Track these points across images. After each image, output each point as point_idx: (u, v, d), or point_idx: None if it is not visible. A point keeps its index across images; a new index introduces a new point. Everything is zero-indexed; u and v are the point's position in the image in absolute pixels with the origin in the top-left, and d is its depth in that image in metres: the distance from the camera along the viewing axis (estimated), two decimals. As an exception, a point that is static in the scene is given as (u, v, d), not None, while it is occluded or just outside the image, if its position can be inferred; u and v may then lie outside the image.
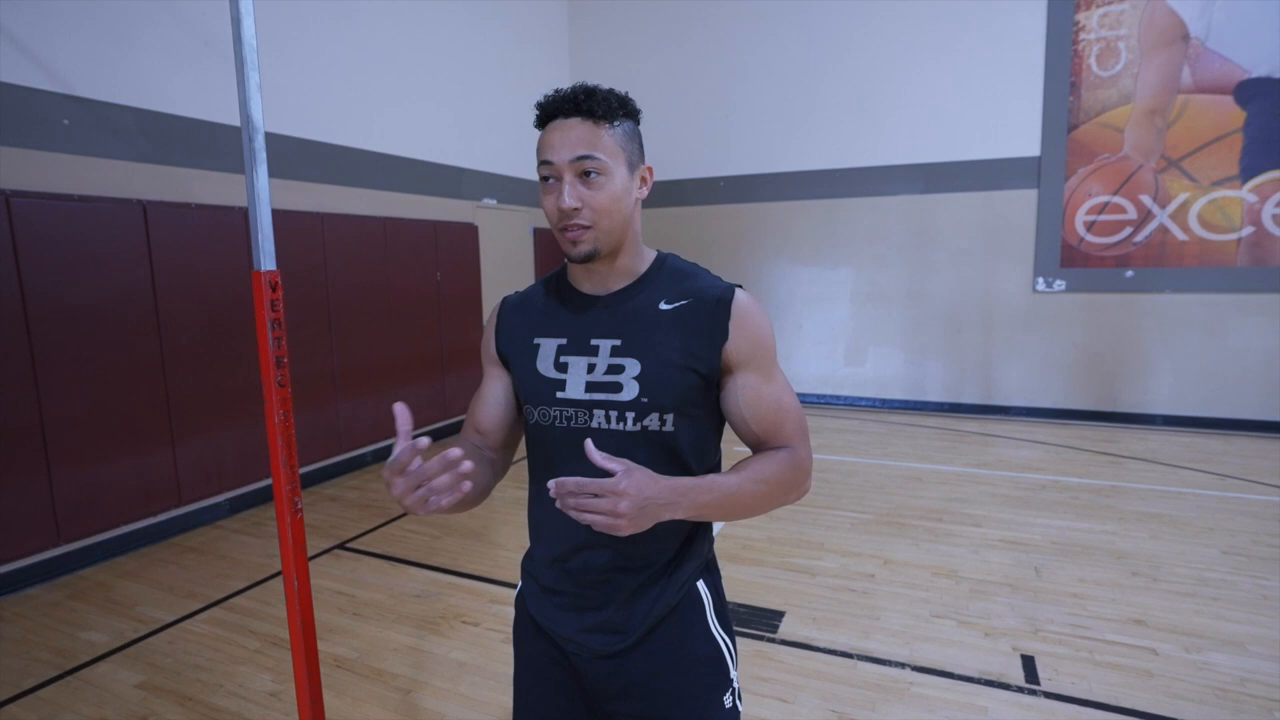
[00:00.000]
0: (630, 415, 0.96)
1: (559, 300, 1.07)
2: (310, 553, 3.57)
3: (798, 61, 6.79)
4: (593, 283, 1.04)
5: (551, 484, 0.82)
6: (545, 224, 7.42)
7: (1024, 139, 6.11)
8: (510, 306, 1.13)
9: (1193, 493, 4.27)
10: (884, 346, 6.84)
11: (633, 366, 0.97)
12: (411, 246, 5.44)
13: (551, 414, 1.01)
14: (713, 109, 7.20)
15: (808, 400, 7.17)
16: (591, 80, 1.00)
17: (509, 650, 2.54)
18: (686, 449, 0.99)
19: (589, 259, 0.96)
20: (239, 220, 4.07)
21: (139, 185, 3.60)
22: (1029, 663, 2.49)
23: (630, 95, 1.01)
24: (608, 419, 0.97)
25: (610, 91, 0.97)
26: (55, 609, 3.01)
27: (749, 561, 3.36)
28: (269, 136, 4.28)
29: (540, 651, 1.08)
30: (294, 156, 4.50)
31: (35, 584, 3.22)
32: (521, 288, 1.15)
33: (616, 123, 0.96)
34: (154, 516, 3.70)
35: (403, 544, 3.70)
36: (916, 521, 3.85)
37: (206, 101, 3.93)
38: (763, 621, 2.79)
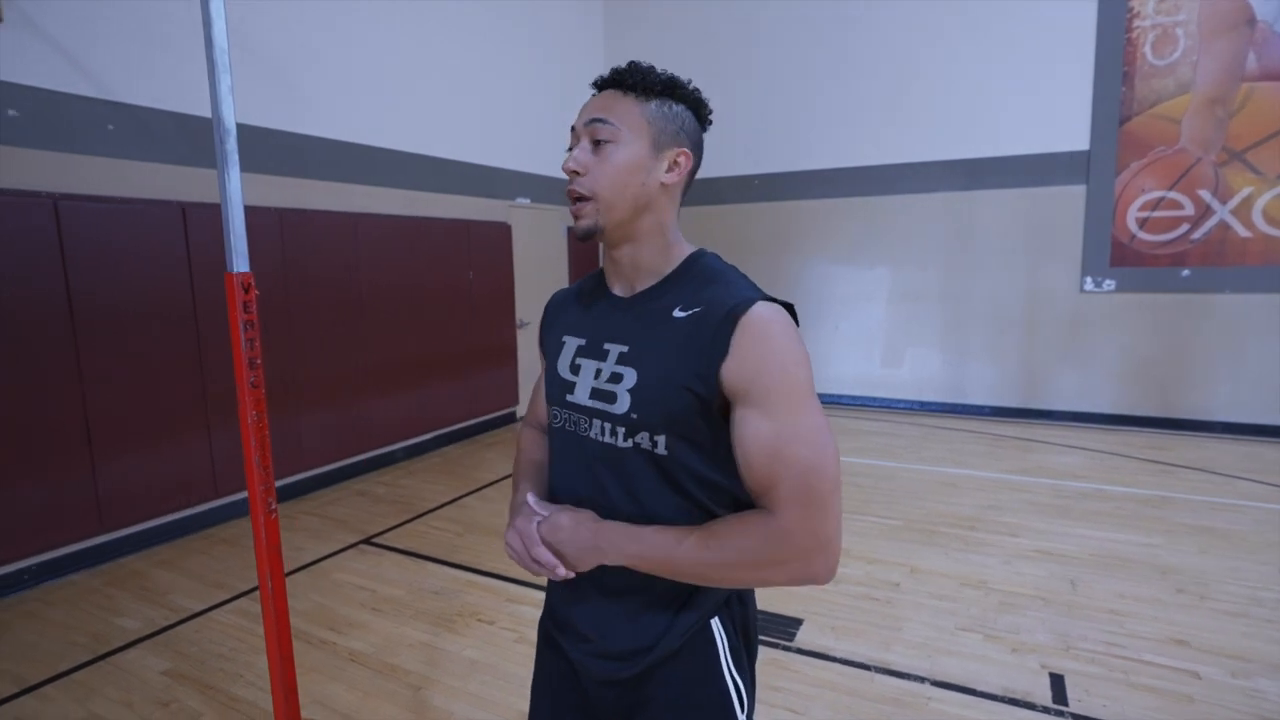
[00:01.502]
0: (621, 430, 0.89)
1: (591, 299, 1.03)
2: (336, 547, 3.65)
3: (834, 56, 6.64)
4: (619, 282, 0.98)
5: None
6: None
7: (1072, 132, 5.86)
8: (555, 302, 1.12)
9: (1250, 505, 4.03)
10: (922, 347, 6.64)
11: (629, 377, 0.89)
12: (444, 246, 5.51)
13: (561, 416, 0.98)
14: (748, 106, 7.10)
15: (841, 402, 7.02)
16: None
17: (522, 650, 2.56)
18: (686, 477, 0.88)
19: (588, 235, 0.92)
20: (274, 221, 4.17)
21: (179, 187, 3.72)
22: (1058, 682, 2.37)
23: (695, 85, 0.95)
24: (604, 431, 0.91)
25: (656, 70, 0.92)
26: (94, 595, 3.14)
27: (770, 566, 3.29)
28: (300, 137, 4.39)
29: (555, 668, 1.05)
30: (327, 158, 4.59)
31: (77, 570, 3.36)
32: (559, 286, 1.15)
33: (651, 99, 0.91)
34: (190, 508, 3.83)
35: (426, 540, 3.74)
36: (948, 529, 3.72)
37: (243, 105, 4.04)
38: (779, 629, 2.73)
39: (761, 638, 2.64)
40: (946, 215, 6.38)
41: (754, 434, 0.82)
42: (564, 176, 0.87)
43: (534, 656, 1.11)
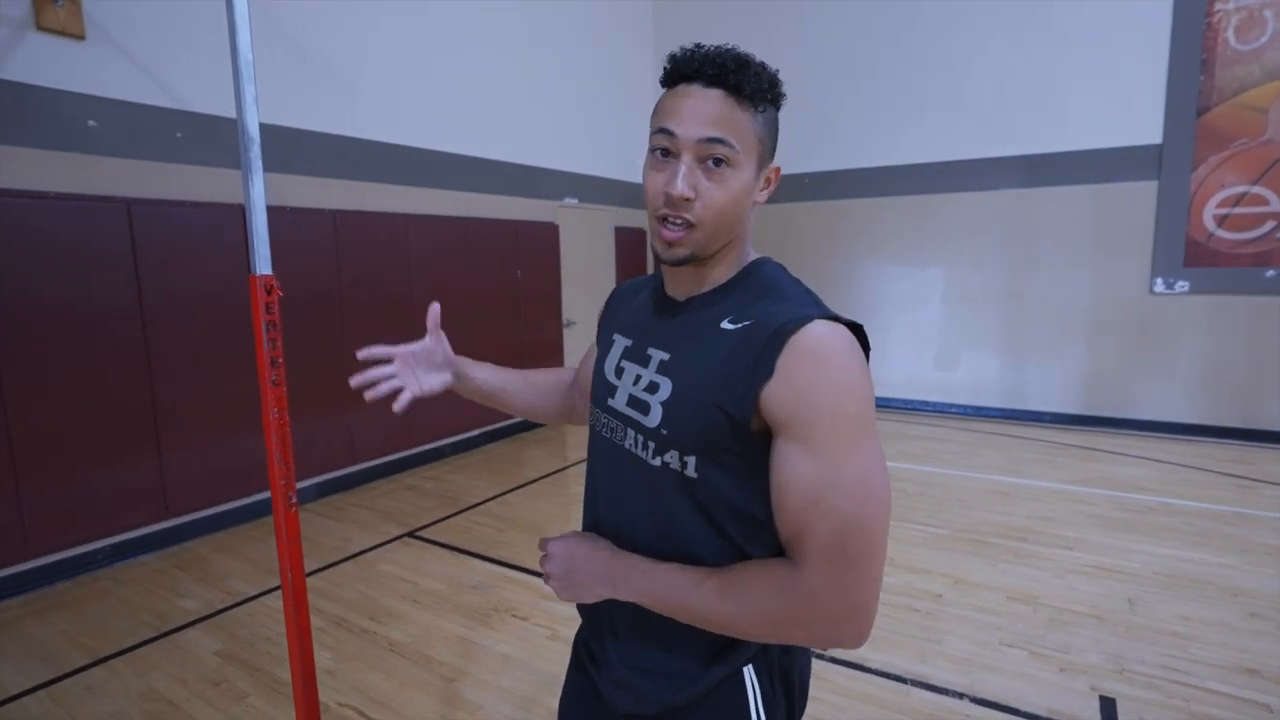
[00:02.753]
0: (651, 445, 0.82)
1: (648, 297, 0.95)
2: (383, 539, 3.77)
3: (889, 49, 6.47)
4: (676, 284, 0.90)
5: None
6: (627, 223, 7.47)
7: (1143, 125, 5.54)
8: (618, 293, 1.07)
9: (1338, 525, 3.74)
10: (978, 350, 6.40)
11: (665, 389, 0.82)
12: (493, 246, 5.62)
13: (601, 419, 0.93)
14: (799, 103, 6.95)
15: (892, 406, 6.84)
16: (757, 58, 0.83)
17: (554, 648, 2.59)
18: (718, 504, 0.79)
19: (682, 264, 0.81)
20: (328, 221, 4.34)
21: (240, 190, 3.90)
22: (1109, 706, 2.25)
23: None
24: (636, 442, 0.84)
25: (764, 67, 0.80)
26: (160, 576, 3.33)
27: (808, 573, 3.23)
28: (354, 141, 4.55)
29: (584, 689, 1.00)
30: (380, 161, 4.75)
31: (145, 552, 3.58)
32: (606, 286, 1.12)
33: (762, 109, 0.80)
34: (249, 496, 4.01)
35: (469, 535, 3.82)
36: (997, 540, 3.58)
37: (299, 110, 4.22)
38: (813, 637, 2.68)
39: (794, 645, 2.60)
40: (1005, 213, 6.13)
41: (791, 473, 0.72)
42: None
43: (565, 654, 1.09)
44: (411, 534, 3.85)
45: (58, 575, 3.26)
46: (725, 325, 0.80)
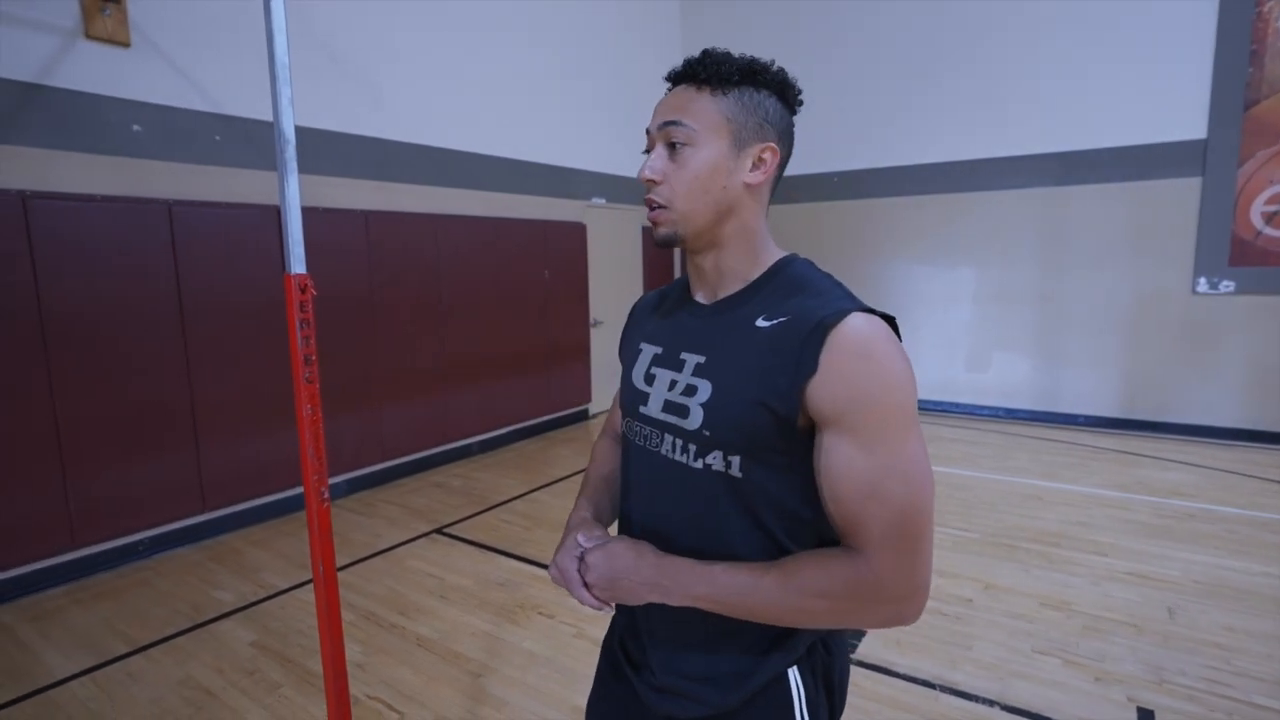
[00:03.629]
0: (692, 448, 0.82)
1: (674, 306, 0.96)
2: (412, 535, 3.83)
3: (919, 45, 6.37)
4: (703, 289, 0.91)
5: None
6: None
7: (1186, 120, 5.37)
8: (639, 308, 1.07)
9: (1393, 535, 3.58)
10: (1010, 352, 6.27)
11: (704, 390, 0.82)
12: (522, 246, 5.66)
13: (635, 428, 0.93)
14: (828, 100, 6.92)
15: (923, 407, 6.73)
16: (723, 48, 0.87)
17: (580, 646, 2.60)
18: (763, 503, 0.80)
19: (667, 244, 0.85)
20: (360, 221, 4.42)
21: (276, 192, 4.00)
22: (1146, 717, 2.19)
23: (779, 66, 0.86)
24: (675, 447, 0.85)
25: (733, 55, 0.83)
26: (197, 568, 3.43)
27: (834, 575, 3.20)
28: (385, 143, 4.62)
29: (618, 694, 0.99)
30: (411, 162, 4.82)
31: (183, 545, 3.68)
32: (634, 286, 1.10)
33: (729, 90, 0.82)
34: (283, 492, 4.10)
35: (496, 533, 3.86)
36: (1029, 545, 3.50)
37: (331, 112, 4.30)
38: (840, 640, 2.65)
39: (820, 648, 2.58)
40: (1039, 212, 6.00)
41: (846, 466, 0.74)
42: (636, 177, 0.83)
43: (591, 653, 1.08)
44: (440, 531, 3.90)
45: (100, 566, 3.38)
46: (760, 323, 0.81)
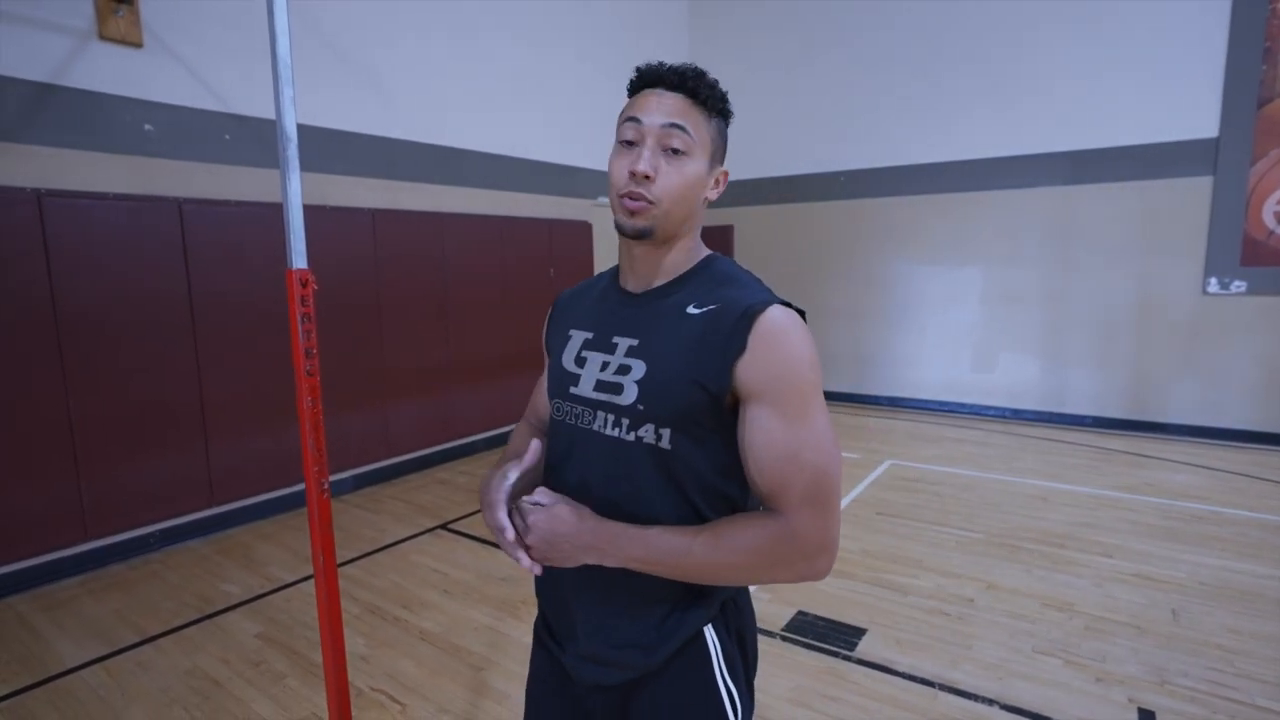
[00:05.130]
0: (625, 422, 0.89)
1: (602, 294, 1.03)
2: (416, 530, 3.87)
3: (925, 44, 6.34)
4: (634, 279, 0.97)
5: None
6: (658, 222, 7.51)
7: (1197, 118, 5.32)
8: (563, 299, 1.12)
9: (1404, 539, 3.54)
10: (1017, 352, 6.24)
11: (638, 369, 0.89)
12: (527, 244, 5.69)
13: (564, 408, 0.97)
14: (834, 99, 6.91)
15: (927, 407, 6.71)
16: (711, 74, 0.92)
17: (578, 640, 2.62)
18: (686, 474, 0.88)
19: (641, 235, 0.89)
20: (367, 221, 4.46)
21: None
22: (1147, 718, 2.19)
23: (729, 95, 0.95)
24: (607, 423, 0.91)
25: (717, 83, 0.92)
26: (205, 561, 3.47)
27: (837, 574, 3.21)
28: (391, 141, 4.66)
29: (548, 669, 1.04)
30: (417, 160, 4.85)
31: (192, 538, 3.73)
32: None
33: (713, 116, 0.92)
34: (289, 487, 4.15)
35: (499, 528, 3.88)
36: (1033, 545, 3.49)
37: (339, 111, 4.34)
38: (840, 638, 2.66)
39: (820, 645, 2.59)
40: (1046, 212, 5.96)
41: (766, 436, 0.83)
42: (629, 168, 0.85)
43: None
44: (444, 526, 3.94)
45: (112, 557, 3.43)
46: (690, 310, 0.89)
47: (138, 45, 3.41)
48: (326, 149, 4.27)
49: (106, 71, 3.32)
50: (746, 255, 7.70)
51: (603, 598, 0.92)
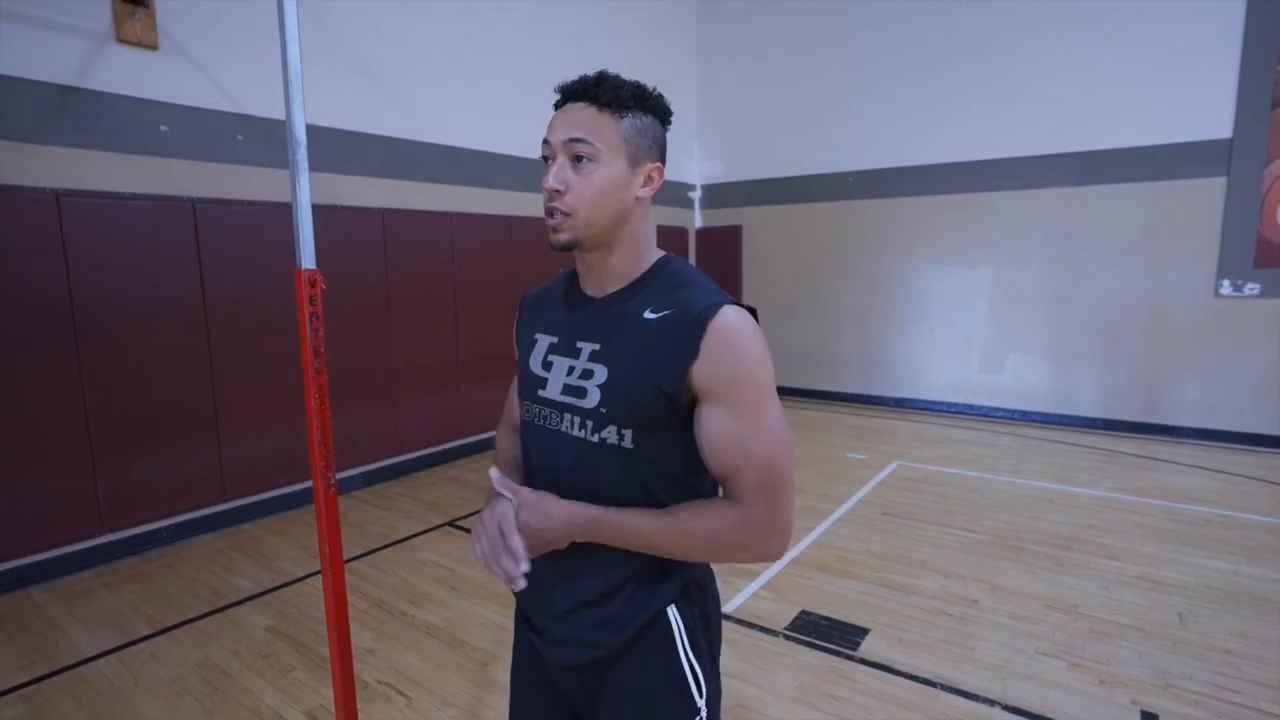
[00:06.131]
0: (590, 424, 0.94)
1: (564, 298, 1.06)
2: (425, 527, 3.91)
3: (934, 45, 6.33)
4: (591, 283, 1.01)
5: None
6: (667, 222, 7.52)
7: (1210, 119, 5.28)
8: (529, 301, 1.15)
9: None
10: (1025, 354, 6.21)
11: (600, 373, 0.94)
12: (535, 243, 5.72)
13: (533, 410, 1.02)
14: (842, 100, 6.90)
15: (935, 409, 6.70)
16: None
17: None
18: (648, 471, 0.93)
19: (567, 248, 0.94)
20: (376, 220, 4.50)
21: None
22: (1149, 720, 2.19)
23: (660, 91, 0.97)
24: (573, 424, 0.96)
25: (628, 82, 0.93)
26: (218, 555, 3.53)
27: (841, 574, 3.22)
28: (401, 142, 4.70)
29: (528, 656, 1.09)
30: (426, 161, 4.89)
31: (204, 533, 3.79)
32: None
33: (626, 114, 0.92)
34: (300, 483, 4.21)
35: (506, 525, 3.92)
36: (1038, 547, 3.48)
37: (349, 113, 4.39)
38: (843, 637, 2.67)
39: (822, 645, 2.61)
40: (1055, 212, 5.93)
41: (721, 430, 0.88)
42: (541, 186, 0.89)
43: None
44: (452, 523, 3.98)
45: (127, 551, 3.49)
46: (647, 315, 0.93)
47: (153, 48, 3.47)
48: (337, 149, 4.32)
49: (123, 74, 3.38)
50: (755, 256, 7.71)
51: (569, 582, 0.98)
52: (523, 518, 0.91)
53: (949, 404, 6.64)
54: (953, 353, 6.56)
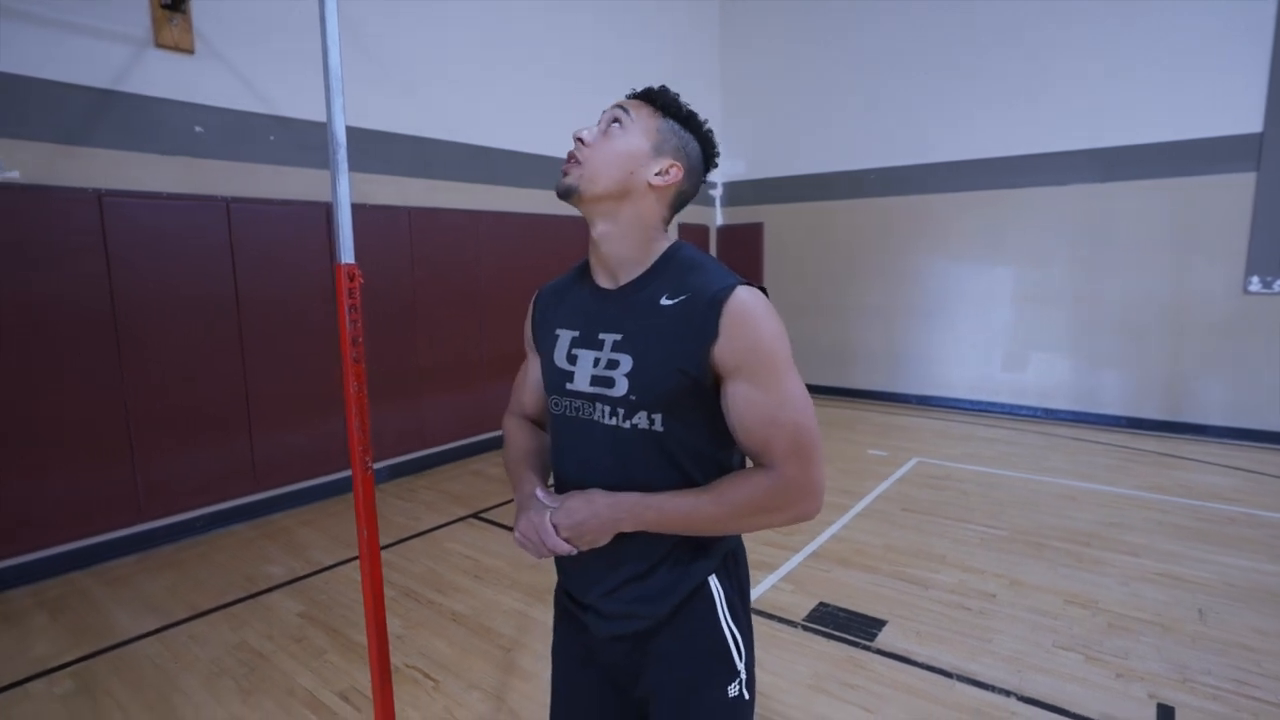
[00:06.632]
0: (621, 412, 0.98)
1: (579, 291, 1.10)
2: (449, 519, 4.00)
3: (955, 42, 6.29)
4: (603, 275, 1.06)
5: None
6: (689, 219, 7.56)
7: (1240, 113, 5.20)
8: (544, 296, 1.18)
9: None
10: (1048, 352, 6.17)
11: (626, 363, 0.98)
12: (558, 240, 5.79)
13: (563, 404, 1.06)
14: (863, 97, 6.89)
15: (959, 406, 6.67)
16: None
17: (604, 624, 2.71)
18: (679, 450, 0.98)
19: (565, 194, 1.01)
20: (404, 219, 4.60)
21: (324, 189, 4.21)
22: (1167, 714, 2.20)
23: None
24: (604, 413, 1.00)
25: (677, 98, 1.04)
26: (251, 544, 3.65)
27: (860, 567, 3.25)
28: (428, 142, 4.79)
29: (571, 634, 1.14)
30: (452, 160, 4.99)
31: (238, 522, 3.92)
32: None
33: (669, 118, 1.02)
34: (329, 475, 4.32)
35: (528, 518, 3.99)
36: (1058, 543, 3.48)
37: (378, 114, 4.49)
38: (860, 629, 2.71)
39: (840, 635, 2.65)
40: (1079, 209, 5.87)
41: (747, 404, 0.93)
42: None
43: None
44: (476, 515, 4.06)
45: (164, 539, 3.62)
46: (664, 302, 0.98)
47: (189, 52, 3.59)
48: (366, 149, 4.42)
49: (161, 77, 3.50)
50: (777, 252, 7.72)
51: (614, 561, 1.02)
52: (566, 522, 0.96)
53: (972, 401, 6.61)
54: (977, 350, 6.53)
